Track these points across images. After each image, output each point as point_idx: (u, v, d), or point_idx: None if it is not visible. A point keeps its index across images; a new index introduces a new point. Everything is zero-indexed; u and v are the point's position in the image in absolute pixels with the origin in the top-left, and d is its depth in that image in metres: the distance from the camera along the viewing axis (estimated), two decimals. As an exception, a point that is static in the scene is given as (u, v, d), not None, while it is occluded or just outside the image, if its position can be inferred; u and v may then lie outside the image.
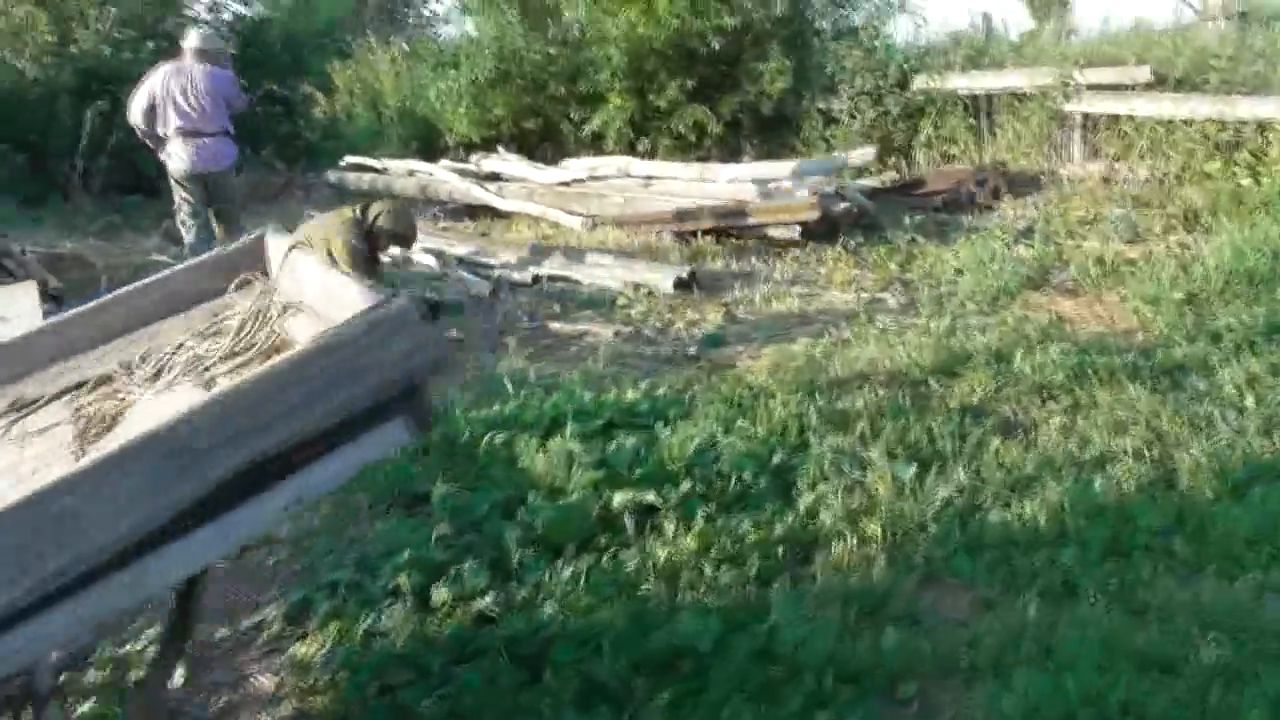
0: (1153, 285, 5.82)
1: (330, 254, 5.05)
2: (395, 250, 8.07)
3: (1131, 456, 3.58)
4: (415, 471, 3.60)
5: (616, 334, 6.14)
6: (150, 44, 12.67)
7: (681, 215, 8.38)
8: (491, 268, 7.64)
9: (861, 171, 9.85)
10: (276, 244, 2.64)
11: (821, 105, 10.86)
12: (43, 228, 9.92)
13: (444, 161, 11.11)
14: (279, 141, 14.46)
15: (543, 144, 12.13)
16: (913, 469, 3.46)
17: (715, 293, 7.10)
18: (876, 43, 10.26)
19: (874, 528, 3.21)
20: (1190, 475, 3.48)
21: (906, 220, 8.03)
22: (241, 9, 14.94)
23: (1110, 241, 7.07)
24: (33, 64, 11.94)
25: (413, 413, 1.88)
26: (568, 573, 3.00)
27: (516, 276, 7.31)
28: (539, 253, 7.77)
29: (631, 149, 11.03)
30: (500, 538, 3.18)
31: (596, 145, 11.46)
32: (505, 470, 3.58)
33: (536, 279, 7.24)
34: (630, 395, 4.27)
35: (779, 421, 3.90)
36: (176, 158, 7.23)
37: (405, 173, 11.03)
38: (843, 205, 8.20)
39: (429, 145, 12.46)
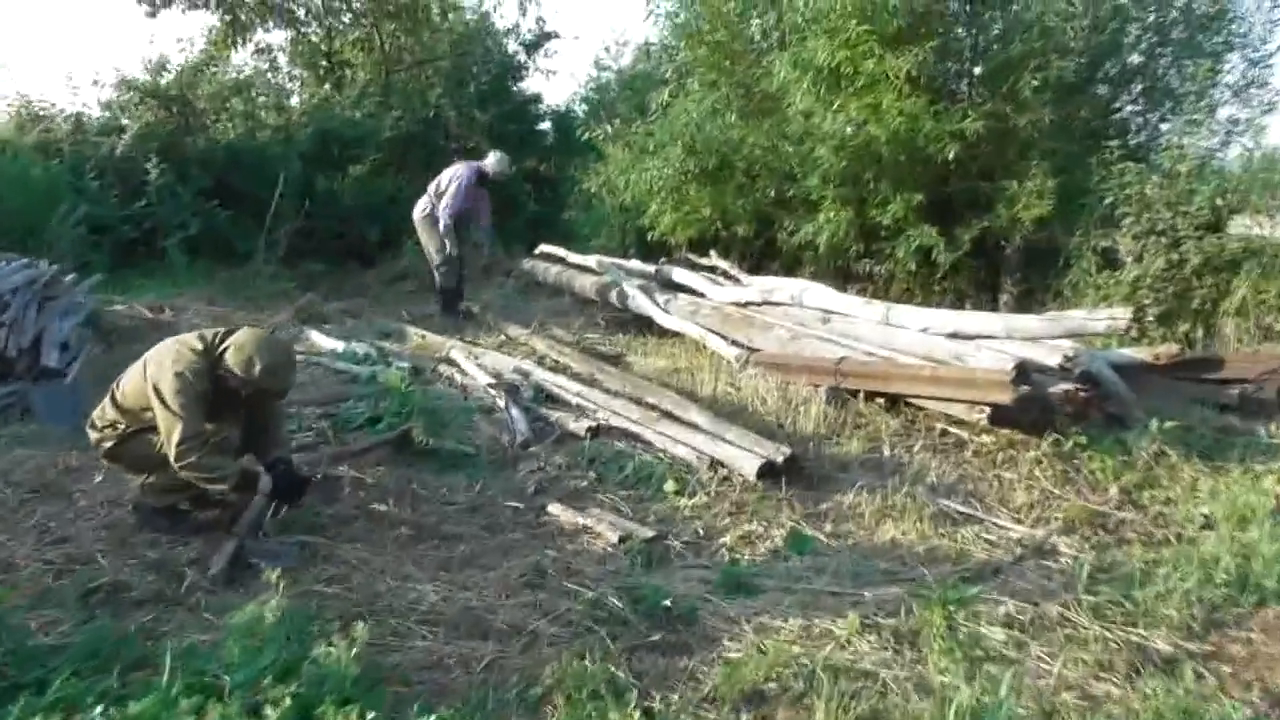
0: None
1: (155, 389, 3.70)
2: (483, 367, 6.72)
3: None
4: None
5: (623, 540, 4.29)
6: (395, 113, 12.50)
7: (841, 369, 6.31)
8: (570, 408, 6.05)
9: (1140, 336, 7.23)
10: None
11: (1105, 242, 8.26)
12: (209, 287, 9.61)
13: (634, 262, 9.70)
14: (531, 220, 13.82)
15: (761, 253, 10.42)
16: None
17: (820, 489, 5.05)
18: (1181, 166, 7.54)
19: None
20: None
21: (1154, 423, 5.38)
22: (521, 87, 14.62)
23: None
24: (277, 126, 12.07)
25: None
26: None
27: (572, 425, 5.65)
28: (635, 395, 6.09)
29: (850, 273, 9.05)
30: None
31: (815, 262, 9.58)
32: None
33: (593, 431, 5.54)
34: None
35: None
36: None
37: (593, 267, 9.73)
38: (1063, 386, 5.69)
39: (642, 239, 11.13)
